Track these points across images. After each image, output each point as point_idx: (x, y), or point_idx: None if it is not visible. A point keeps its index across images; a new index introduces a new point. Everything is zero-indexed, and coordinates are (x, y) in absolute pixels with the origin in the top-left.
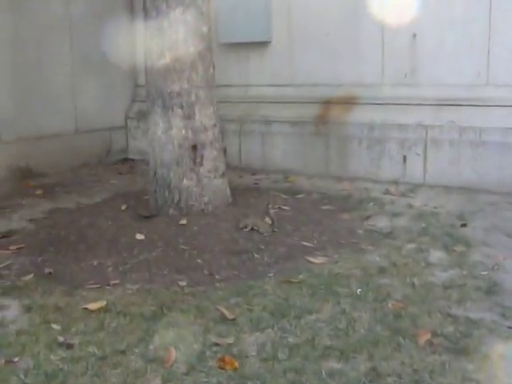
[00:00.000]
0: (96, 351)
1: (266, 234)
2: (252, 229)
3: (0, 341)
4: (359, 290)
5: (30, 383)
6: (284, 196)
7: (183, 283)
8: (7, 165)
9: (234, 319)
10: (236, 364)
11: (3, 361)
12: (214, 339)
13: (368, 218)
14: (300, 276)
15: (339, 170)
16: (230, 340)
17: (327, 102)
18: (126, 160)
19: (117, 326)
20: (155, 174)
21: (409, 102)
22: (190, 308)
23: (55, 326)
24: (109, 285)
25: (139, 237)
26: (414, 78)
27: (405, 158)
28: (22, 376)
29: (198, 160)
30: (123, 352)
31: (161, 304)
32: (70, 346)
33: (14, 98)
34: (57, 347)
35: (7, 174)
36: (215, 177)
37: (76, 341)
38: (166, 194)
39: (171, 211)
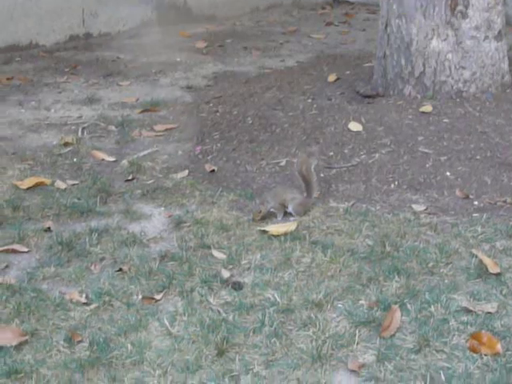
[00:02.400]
0: (277, 298)
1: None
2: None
3: (137, 266)
4: None
5: (176, 334)
6: None
7: (420, 207)
8: (154, 2)
9: (498, 274)
10: (498, 347)
11: (140, 296)
12: (464, 303)
13: None
14: None
15: None
16: (491, 307)
17: None
18: (338, 2)
19: (310, 264)
20: (386, 27)
21: None
22: (427, 247)
23: (218, 254)
24: None
25: (355, 127)
26: None
27: None
28: (165, 321)
29: (459, 8)
30: (318, 304)
31: (382, 236)
32: (238, 287)
33: None
34: (219, 286)
35: (153, 15)
36: (486, 38)
37: (248, 279)
38: (403, 61)
39: (408, 90)
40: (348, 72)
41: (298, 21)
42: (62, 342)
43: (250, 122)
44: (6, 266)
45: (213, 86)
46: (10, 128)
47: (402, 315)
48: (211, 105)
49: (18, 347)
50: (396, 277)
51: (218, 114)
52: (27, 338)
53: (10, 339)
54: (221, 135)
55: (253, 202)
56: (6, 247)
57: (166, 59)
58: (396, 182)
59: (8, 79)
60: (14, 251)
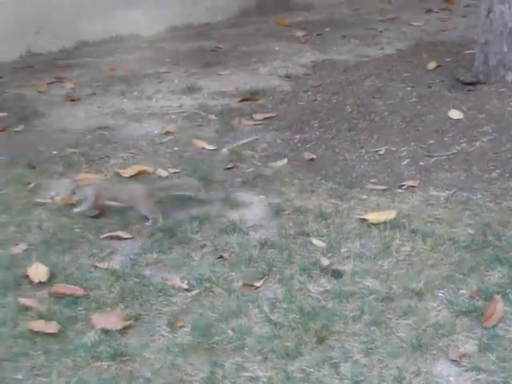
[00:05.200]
0: (377, 286)
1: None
2: None
3: (237, 253)
4: None
5: (276, 320)
6: None
7: None
8: None
9: None
10: None
11: (241, 283)
12: None
13: None
14: None
15: None
16: None
17: None
18: None
19: (410, 252)
20: (489, 13)
21: None
22: None
23: (317, 242)
24: (402, 187)
25: (455, 115)
26: None
27: None
28: (265, 308)
29: None
30: (418, 293)
31: (483, 225)
32: (338, 275)
33: None
34: (318, 274)
35: (251, 3)
36: None
37: (347, 267)
38: (505, 47)
39: (511, 77)
40: (448, 59)
41: (396, 8)
42: (164, 327)
43: (349, 110)
44: (111, 252)
45: (311, 74)
46: (113, 118)
47: (504, 305)
48: (310, 93)
49: (123, 331)
50: (498, 266)
51: (316, 102)
52: (131, 322)
53: (115, 323)
54: (320, 123)
55: (354, 189)
56: (110, 234)
57: (265, 48)
58: (498, 171)
59: (111, 70)
60: (118, 238)
